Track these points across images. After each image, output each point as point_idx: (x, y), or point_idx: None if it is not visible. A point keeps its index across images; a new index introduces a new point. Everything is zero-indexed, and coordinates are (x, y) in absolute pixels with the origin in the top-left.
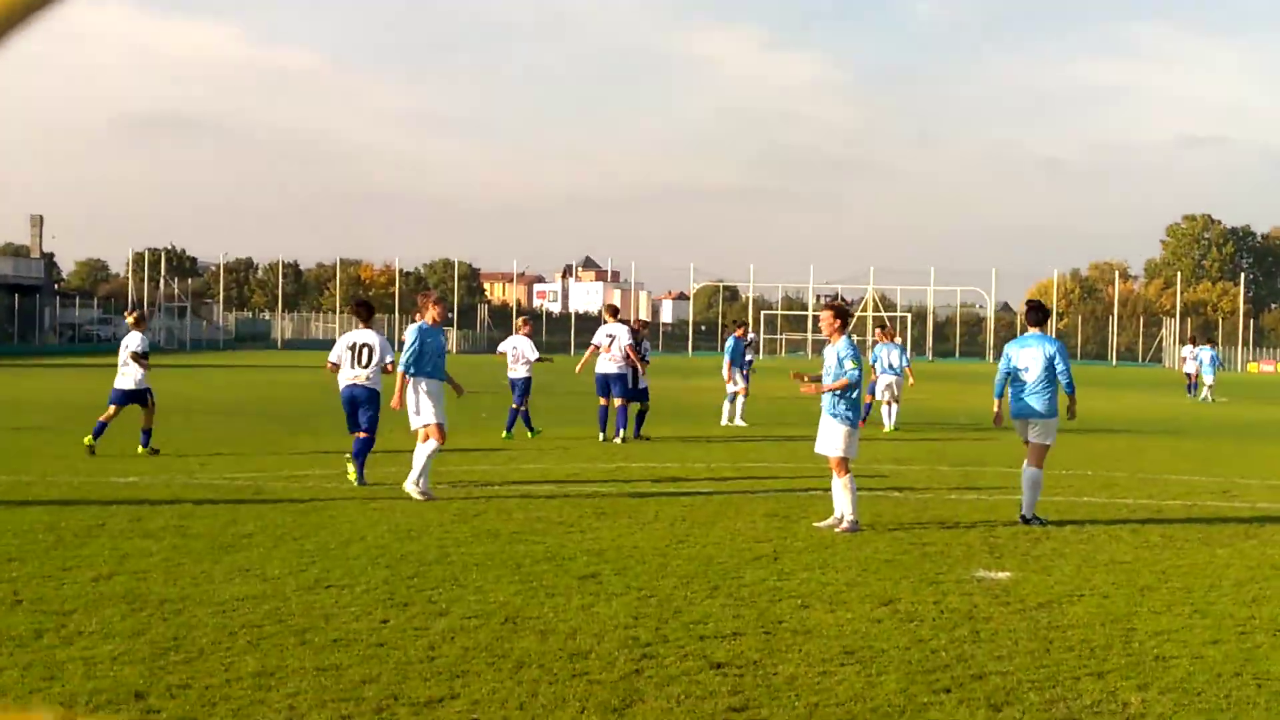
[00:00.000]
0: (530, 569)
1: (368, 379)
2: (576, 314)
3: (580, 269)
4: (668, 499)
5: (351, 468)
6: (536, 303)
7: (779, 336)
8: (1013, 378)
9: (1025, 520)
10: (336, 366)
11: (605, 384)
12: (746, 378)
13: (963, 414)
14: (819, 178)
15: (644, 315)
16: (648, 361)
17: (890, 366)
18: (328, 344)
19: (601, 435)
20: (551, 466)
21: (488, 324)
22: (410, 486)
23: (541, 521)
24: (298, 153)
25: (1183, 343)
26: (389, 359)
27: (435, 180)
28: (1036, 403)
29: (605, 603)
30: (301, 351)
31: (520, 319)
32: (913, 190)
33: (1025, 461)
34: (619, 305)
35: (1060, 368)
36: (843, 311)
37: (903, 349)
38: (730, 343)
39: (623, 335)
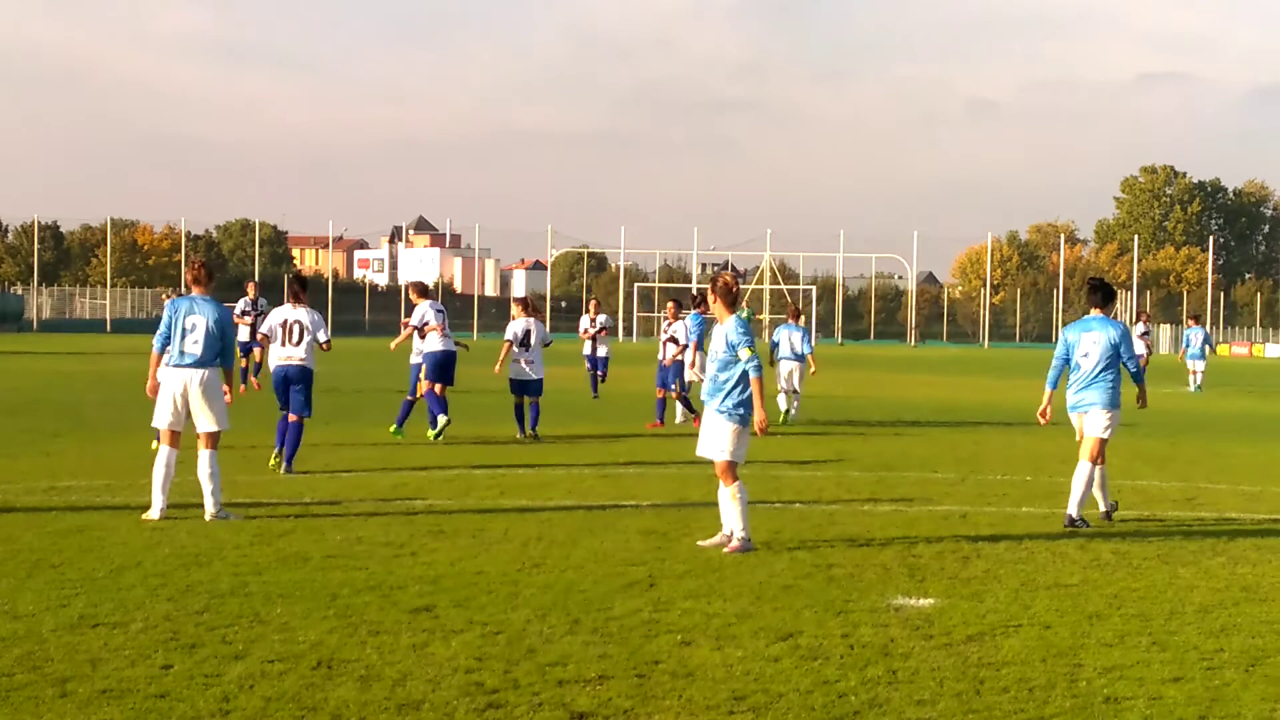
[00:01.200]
0: (349, 601)
1: (301, 359)
2: (406, 287)
3: (412, 232)
4: (519, 514)
5: (276, 458)
6: (358, 273)
7: (656, 315)
8: (1070, 367)
9: (1073, 524)
10: (267, 339)
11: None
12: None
13: (922, 403)
14: (702, 122)
15: (491, 287)
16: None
17: (792, 351)
18: (94, 325)
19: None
20: (372, 476)
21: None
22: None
23: (362, 543)
24: (55, 84)
25: (1154, 321)
26: (322, 337)
27: (229, 124)
28: (1098, 393)
29: (442, 641)
30: (64, 335)
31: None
32: (816, 138)
33: (1081, 457)
34: (430, 278)
35: (1126, 354)
36: (728, 288)
37: (806, 332)
38: (692, 321)
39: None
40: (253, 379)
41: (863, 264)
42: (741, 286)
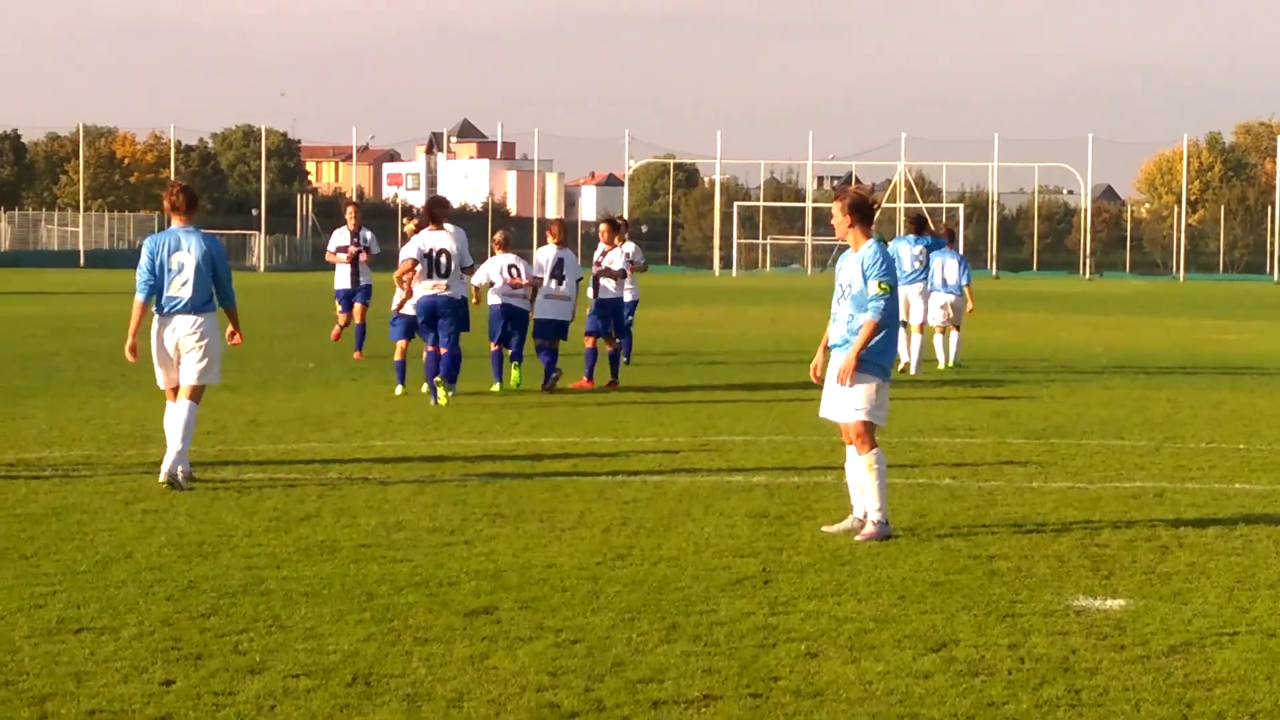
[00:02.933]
0: (389, 601)
1: (448, 287)
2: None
3: (454, 140)
4: (597, 494)
5: (438, 391)
6: (388, 191)
7: (761, 241)
8: None
9: None
10: (414, 264)
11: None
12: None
13: (1101, 352)
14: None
15: (553, 208)
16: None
17: (945, 283)
18: (65, 257)
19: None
20: (416, 441)
21: (312, 223)
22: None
23: (404, 529)
24: None
25: None
26: (469, 263)
27: (226, 6)
28: None
29: (506, 652)
30: (28, 270)
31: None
32: (958, 17)
33: None
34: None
35: None
36: (861, 204)
37: (964, 259)
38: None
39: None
40: (356, 353)
41: (1022, 175)
42: (876, 202)
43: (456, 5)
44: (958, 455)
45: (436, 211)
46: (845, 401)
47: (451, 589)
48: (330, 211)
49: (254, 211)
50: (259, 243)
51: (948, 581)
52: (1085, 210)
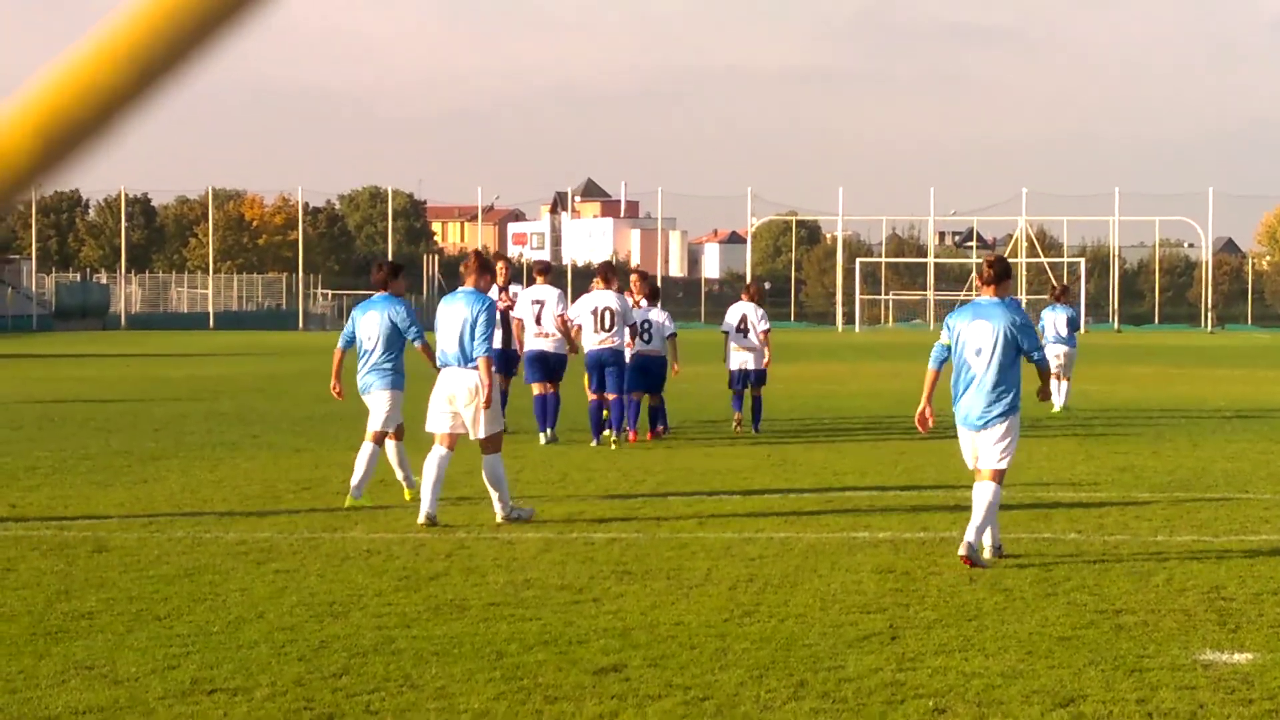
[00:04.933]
0: (518, 660)
1: (615, 342)
2: (574, 266)
3: (578, 199)
4: (724, 550)
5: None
6: (513, 250)
7: (883, 297)
8: None
9: None
10: (578, 329)
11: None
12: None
13: (1225, 405)
14: (937, 55)
15: (676, 266)
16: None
17: (1057, 335)
18: (195, 319)
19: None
20: (541, 504)
21: (438, 282)
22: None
23: (532, 587)
24: None
25: None
26: (632, 320)
27: (352, 69)
28: None
29: (635, 709)
30: (159, 332)
31: (635, 273)
32: (1080, 73)
33: None
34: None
35: None
36: (1002, 266)
37: (1074, 315)
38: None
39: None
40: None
41: (1143, 229)
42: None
43: (578, 65)
44: (1083, 509)
45: (605, 271)
46: (1005, 449)
47: (580, 647)
48: (457, 272)
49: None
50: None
51: (1074, 636)
52: (1206, 263)
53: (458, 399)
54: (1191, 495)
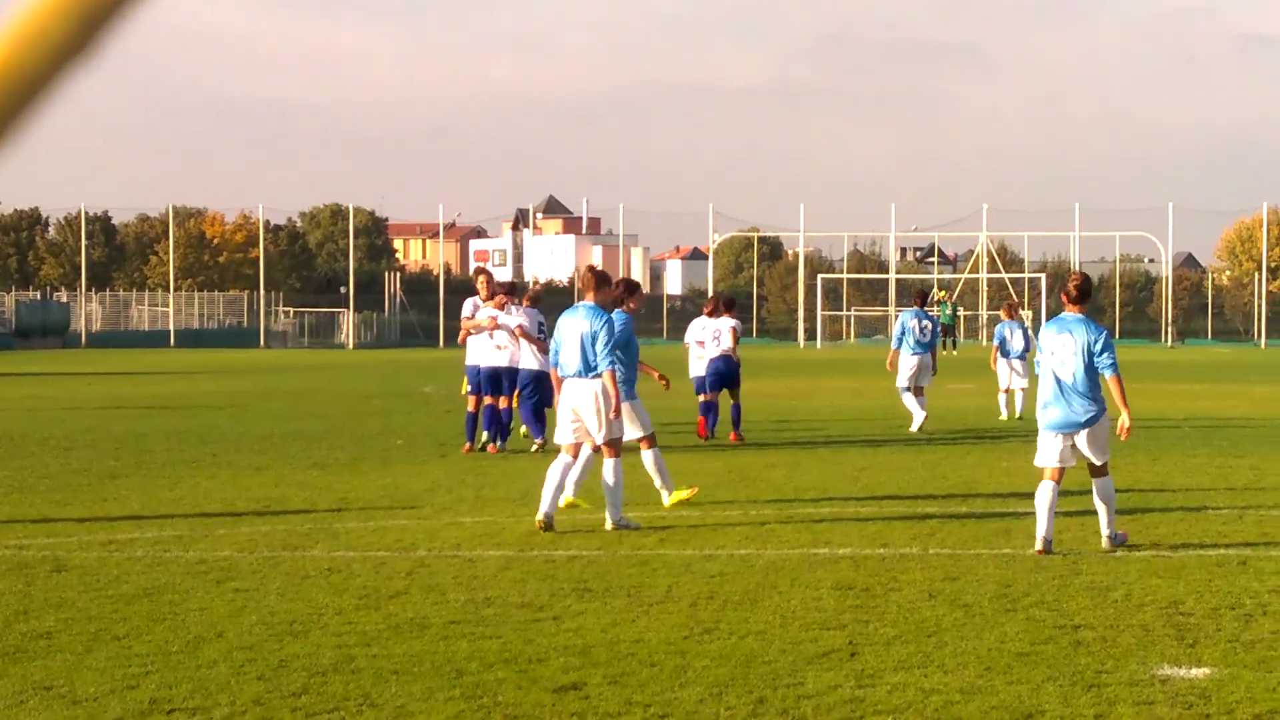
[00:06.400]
0: (478, 678)
1: (727, 351)
2: (535, 282)
3: (540, 215)
4: (684, 567)
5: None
6: (475, 266)
7: (845, 313)
8: None
9: None
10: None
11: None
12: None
13: (1184, 419)
14: (898, 72)
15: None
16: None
17: (1012, 350)
18: (156, 337)
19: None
20: (504, 517)
21: (399, 300)
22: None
23: (493, 605)
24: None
25: None
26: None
27: (312, 87)
28: None
29: None
30: (119, 350)
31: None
32: (1041, 89)
33: None
34: (566, 271)
35: None
36: (1087, 285)
37: (1027, 330)
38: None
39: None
40: (492, 445)
41: (1104, 244)
42: (954, 275)
43: (540, 82)
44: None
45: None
46: (1105, 445)
47: (540, 665)
48: (418, 289)
49: (342, 289)
50: (348, 320)
51: (1033, 652)
52: (1166, 278)
53: (581, 409)
54: (1149, 509)
